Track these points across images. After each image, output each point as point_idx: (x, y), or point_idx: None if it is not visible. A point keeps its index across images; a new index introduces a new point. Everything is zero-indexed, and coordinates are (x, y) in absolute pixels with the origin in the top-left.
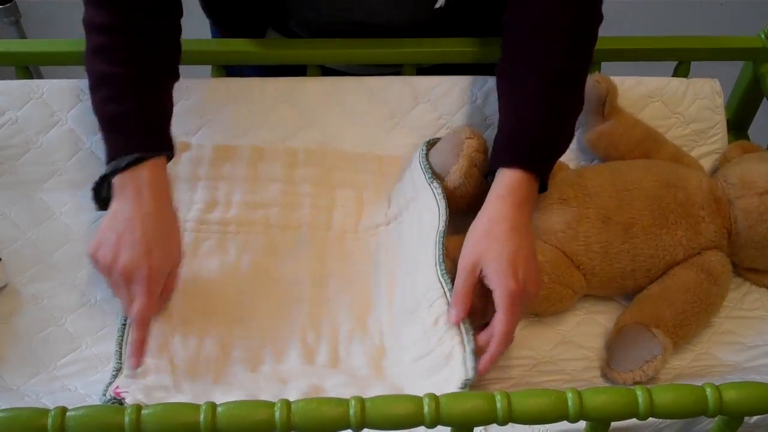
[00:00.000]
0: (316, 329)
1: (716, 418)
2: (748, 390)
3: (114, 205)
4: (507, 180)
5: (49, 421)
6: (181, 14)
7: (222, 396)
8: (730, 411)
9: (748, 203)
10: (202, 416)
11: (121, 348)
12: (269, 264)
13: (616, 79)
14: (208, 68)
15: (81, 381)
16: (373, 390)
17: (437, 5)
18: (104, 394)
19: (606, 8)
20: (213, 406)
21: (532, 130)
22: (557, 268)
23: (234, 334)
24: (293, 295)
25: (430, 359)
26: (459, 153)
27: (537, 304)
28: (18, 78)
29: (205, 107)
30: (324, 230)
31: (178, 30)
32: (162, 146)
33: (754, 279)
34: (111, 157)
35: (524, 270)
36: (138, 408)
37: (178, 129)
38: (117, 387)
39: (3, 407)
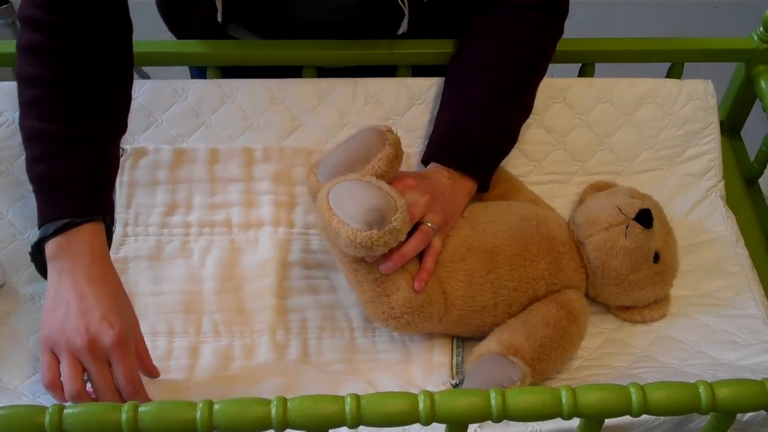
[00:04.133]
0: (285, 325)
1: (709, 416)
2: (740, 387)
3: (50, 283)
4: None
5: (47, 418)
6: (131, 62)
7: (197, 397)
8: (723, 408)
9: (595, 241)
10: (198, 413)
11: None
12: (233, 263)
13: (610, 81)
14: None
15: None
16: (346, 387)
17: (400, 31)
18: None
19: (599, 9)
20: (210, 403)
21: (474, 137)
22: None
23: (202, 333)
24: (259, 292)
25: (415, 365)
26: (385, 141)
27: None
28: (14, 79)
29: (201, 108)
30: (286, 227)
31: (128, 74)
32: (93, 210)
33: (627, 316)
34: (41, 223)
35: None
36: (135, 405)
37: (174, 130)
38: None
39: (0, 406)
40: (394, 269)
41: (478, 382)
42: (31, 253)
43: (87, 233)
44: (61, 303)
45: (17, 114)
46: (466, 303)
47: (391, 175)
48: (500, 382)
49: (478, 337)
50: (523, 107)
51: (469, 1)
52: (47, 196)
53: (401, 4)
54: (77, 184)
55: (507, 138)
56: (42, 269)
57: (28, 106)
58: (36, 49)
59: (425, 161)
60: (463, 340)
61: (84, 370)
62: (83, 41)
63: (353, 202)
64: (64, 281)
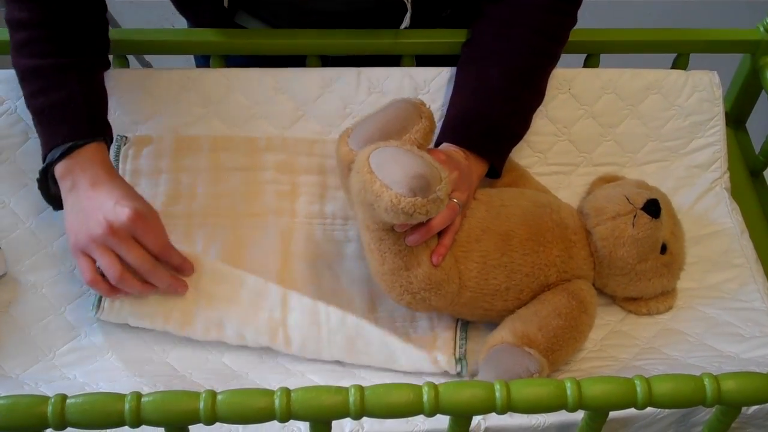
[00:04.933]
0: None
1: (714, 408)
2: (746, 380)
3: (65, 200)
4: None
5: (49, 408)
6: (104, 7)
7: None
8: (728, 401)
9: (602, 230)
10: (201, 404)
11: None
12: (236, 253)
13: (616, 72)
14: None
15: (80, 370)
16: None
17: (402, 26)
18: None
19: (606, 1)
20: (213, 393)
21: (490, 118)
22: (446, 263)
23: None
24: (262, 283)
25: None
26: (421, 114)
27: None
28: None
29: (205, 97)
30: (289, 217)
31: (104, 21)
32: (94, 131)
33: (633, 308)
34: (46, 150)
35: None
36: (138, 395)
37: (178, 119)
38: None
39: (2, 395)
40: (420, 242)
41: (495, 374)
42: (38, 180)
43: (91, 151)
44: (78, 211)
45: (19, 102)
46: (479, 285)
47: (424, 148)
48: (518, 374)
49: (484, 325)
50: (538, 93)
51: None
52: (49, 124)
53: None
54: (76, 109)
55: (522, 122)
56: (49, 198)
57: (19, 48)
58: None
59: (439, 142)
60: (467, 330)
61: (117, 256)
62: None
63: (398, 167)
64: (77, 193)
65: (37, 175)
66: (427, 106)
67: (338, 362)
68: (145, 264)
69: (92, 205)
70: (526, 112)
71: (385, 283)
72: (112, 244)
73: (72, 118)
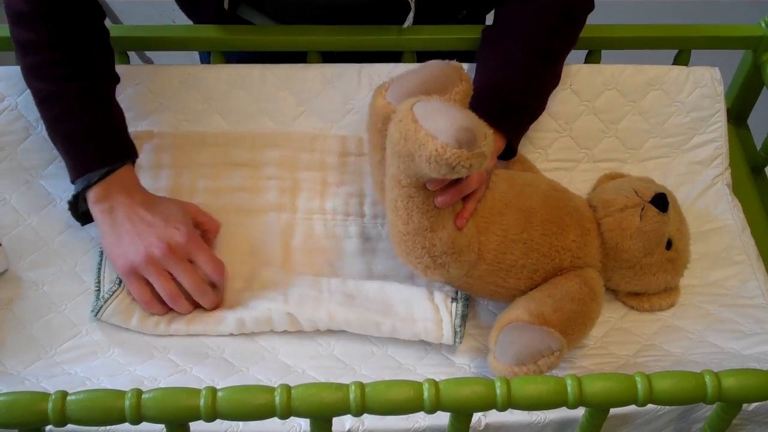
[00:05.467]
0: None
1: (715, 405)
2: (747, 377)
3: (101, 222)
4: None
5: (50, 404)
6: (104, 16)
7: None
8: (729, 398)
9: (610, 221)
10: (202, 401)
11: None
12: (237, 249)
13: (617, 67)
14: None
15: (81, 366)
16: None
17: (405, 25)
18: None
19: None
20: (213, 390)
21: (510, 93)
22: (469, 230)
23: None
24: (264, 280)
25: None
26: (460, 76)
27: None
28: (16, 64)
29: (206, 93)
30: (290, 213)
31: (106, 33)
32: (126, 154)
33: (636, 304)
34: (78, 173)
35: None
36: (138, 392)
37: (179, 115)
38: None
39: (3, 392)
40: (450, 203)
41: (515, 350)
42: (69, 202)
43: (124, 174)
44: (122, 234)
45: (20, 98)
46: (496, 258)
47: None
48: (540, 351)
49: (484, 316)
50: (555, 74)
51: None
52: (81, 148)
53: None
54: (108, 133)
55: (539, 102)
56: (78, 215)
57: (35, 71)
58: (24, 15)
59: None
60: (467, 316)
61: (171, 276)
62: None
63: (444, 119)
64: (116, 215)
65: (69, 198)
66: (465, 70)
67: (339, 359)
68: (200, 286)
69: (141, 227)
70: (544, 91)
71: (405, 245)
72: (168, 264)
73: (104, 143)
